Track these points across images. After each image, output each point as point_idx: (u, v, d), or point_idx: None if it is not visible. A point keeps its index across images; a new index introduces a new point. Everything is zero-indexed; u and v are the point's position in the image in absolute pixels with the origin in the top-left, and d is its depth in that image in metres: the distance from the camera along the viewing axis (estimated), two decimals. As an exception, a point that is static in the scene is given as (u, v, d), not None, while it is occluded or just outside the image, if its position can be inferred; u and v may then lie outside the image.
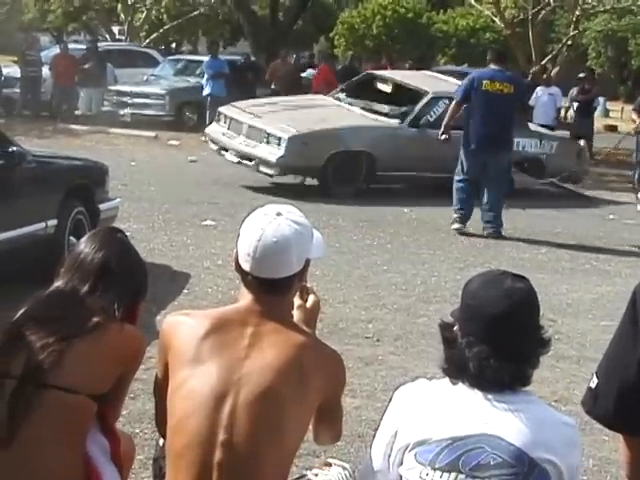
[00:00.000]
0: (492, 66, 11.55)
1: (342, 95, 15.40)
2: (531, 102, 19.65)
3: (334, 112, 14.63)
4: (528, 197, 14.03)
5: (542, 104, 19.41)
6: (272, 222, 2.71)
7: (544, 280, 8.82)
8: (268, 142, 13.46)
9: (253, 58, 23.05)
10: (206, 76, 20.65)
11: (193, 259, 8.90)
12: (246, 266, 2.72)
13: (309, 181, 13.97)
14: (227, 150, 14.11)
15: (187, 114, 21.82)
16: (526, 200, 13.57)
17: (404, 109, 14.33)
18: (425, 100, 14.29)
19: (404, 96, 14.65)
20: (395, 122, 14.10)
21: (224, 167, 14.46)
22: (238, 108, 14.80)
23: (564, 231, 12.05)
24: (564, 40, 31.56)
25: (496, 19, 34.27)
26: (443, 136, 11.64)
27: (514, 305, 2.55)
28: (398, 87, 15.05)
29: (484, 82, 11.23)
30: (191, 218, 10.93)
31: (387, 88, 15.26)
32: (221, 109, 15.16)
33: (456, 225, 11.43)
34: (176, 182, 13.68)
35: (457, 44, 42.45)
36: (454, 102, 11.70)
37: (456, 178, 11.50)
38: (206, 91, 20.10)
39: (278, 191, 13.34)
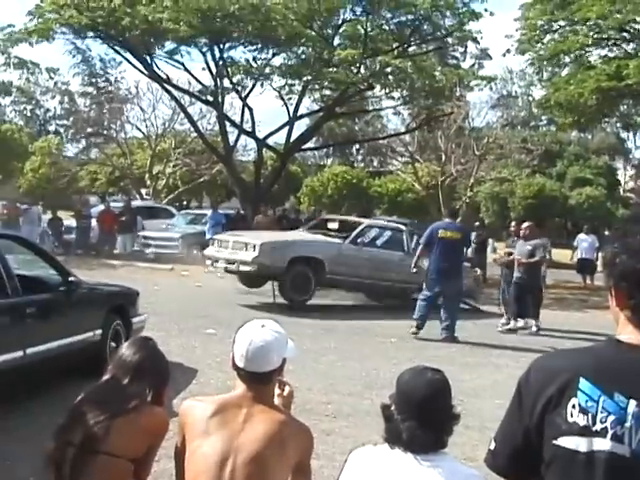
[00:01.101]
0: (446, 219, 11.96)
1: (302, 229, 15.84)
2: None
3: (296, 234, 15.11)
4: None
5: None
6: (258, 331, 2.75)
7: (454, 371, 8.77)
8: (246, 249, 13.60)
9: (242, 211, 23.20)
10: (208, 225, 20.77)
11: (199, 358, 8.80)
12: (240, 363, 2.74)
13: (280, 300, 13.90)
14: (217, 261, 14.15)
15: (195, 252, 21.79)
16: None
17: (345, 234, 14.65)
18: (361, 227, 14.69)
19: (348, 229, 14.94)
20: (339, 241, 14.31)
21: (223, 291, 14.40)
22: (227, 234, 15.18)
23: (467, 335, 12.06)
24: (464, 199, 32.28)
25: (415, 184, 35.17)
26: (414, 269, 11.76)
27: (434, 391, 2.58)
28: (343, 224, 15.40)
29: (440, 231, 11.40)
30: (197, 328, 10.84)
31: (335, 225, 15.60)
32: (214, 236, 15.46)
33: (414, 329, 11.39)
34: (187, 301, 13.60)
35: (388, 201, 43.04)
36: (420, 246, 11.87)
37: (420, 297, 11.58)
38: (208, 235, 20.13)
39: (264, 308, 13.29)
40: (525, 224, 13.13)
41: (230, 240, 14.31)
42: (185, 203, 44.59)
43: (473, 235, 21.16)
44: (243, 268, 13.62)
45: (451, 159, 30.81)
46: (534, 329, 12.70)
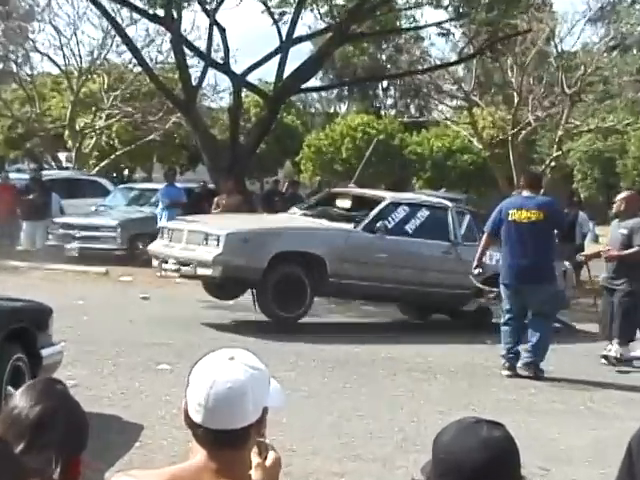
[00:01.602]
0: (523, 192, 11.72)
1: (297, 210, 15.92)
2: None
3: (283, 218, 15.31)
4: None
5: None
6: (225, 367, 2.71)
7: (534, 424, 8.77)
8: (207, 243, 13.71)
9: (211, 185, 23.21)
10: (161, 205, 20.85)
11: (146, 408, 8.80)
12: (197, 417, 2.69)
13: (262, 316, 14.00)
14: (167, 261, 14.26)
15: (141, 247, 21.81)
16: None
17: (359, 215, 14.76)
18: (382, 205, 14.75)
19: (363, 207, 15.09)
20: (349, 226, 14.39)
21: (181, 304, 14.45)
22: (181, 220, 15.25)
23: (555, 367, 12.04)
24: (547, 161, 32.23)
25: (473, 140, 35.14)
26: (477, 270, 11.88)
27: (493, 457, 2.53)
28: (358, 202, 15.50)
29: (512, 211, 11.38)
30: (144, 362, 10.87)
31: (346, 203, 15.69)
32: (163, 224, 15.47)
33: (505, 372, 11.46)
34: (128, 322, 13.65)
35: (432, 166, 43.17)
36: (484, 235, 11.99)
37: (501, 320, 11.68)
38: (162, 222, 20.16)
39: (239, 329, 13.33)
40: (622, 194, 12.85)
41: (184, 230, 14.43)
42: (126, 173, 44.79)
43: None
44: (202, 272, 13.71)
45: (528, 101, 30.76)
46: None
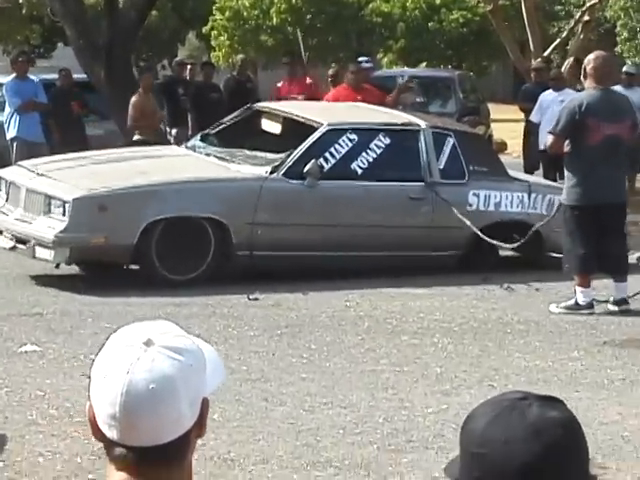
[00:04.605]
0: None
1: (199, 143, 15.82)
2: (533, 116, 19.96)
3: (168, 163, 15.24)
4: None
5: (551, 118, 19.30)
6: (141, 358, 2.68)
7: (582, 401, 8.86)
8: (49, 211, 13.71)
9: (80, 75, 23.02)
10: (9, 109, 20.64)
11: (9, 410, 8.79)
12: (111, 432, 2.68)
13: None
14: (1, 232, 14.26)
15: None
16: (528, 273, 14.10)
17: (282, 154, 14.65)
18: (315, 136, 14.67)
19: (296, 136, 15.00)
20: (262, 171, 14.40)
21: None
22: (25, 167, 15.13)
23: (608, 324, 12.21)
24: (577, 15, 32.33)
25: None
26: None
27: (548, 448, 2.55)
28: (291, 125, 15.51)
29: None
30: (0, 343, 10.86)
31: (275, 126, 15.74)
32: (2, 172, 15.29)
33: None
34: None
35: (407, 32, 43.09)
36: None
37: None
38: (10, 133, 20.03)
39: (135, 284, 13.40)
40: None
41: (22, 187, 14.34)
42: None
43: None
44: (41, 255, 13.74)
45: None
46: None
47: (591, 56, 13.19)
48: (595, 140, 12.50)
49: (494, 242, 14.10)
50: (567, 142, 12.61)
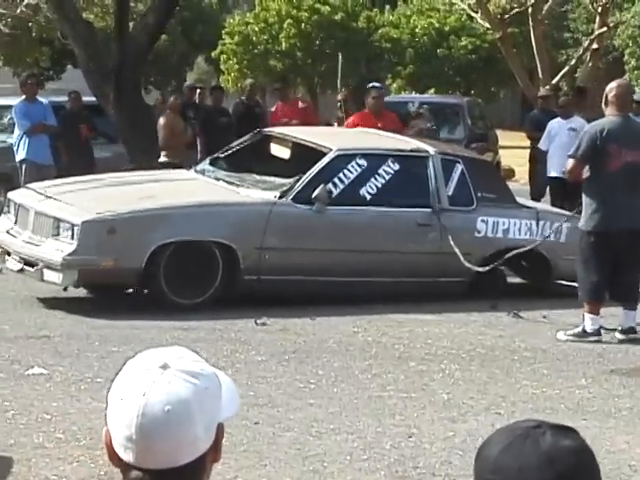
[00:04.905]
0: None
1: (209, 167, 15.85)
2: (542, 144, 19.92)
3: (177, 187, 15.28)
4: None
5: (560, 146, 19.32)
6: (157, 381, 2.70)
7: (589, 430, 8.83)
8: (58, 234, 13.70)
9: (90, 98, 23.02)
10: (19, 131, 20.64)
11: (15, 433, 8.75)
12: (127, 455, 2.69)
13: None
14: (9, 253, 14.33)
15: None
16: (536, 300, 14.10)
17: (291, 179, 14.63)
18: (324, 161, 14.66)
19: (305, 161, 14.98)
20: (271, 196, 14.38)
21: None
22: (34, 190, 15.12)
23: (616, 352, 12.20)
24: (586, 43, 32.33)
25: (476, 15, 35.07)
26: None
27: (562, 476, 2.56)
28: (300, 150, 15.50)
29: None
30: (7, 366, 10.83)
31: (284, 151, 15.75)
32: (11, 194, 15.27)
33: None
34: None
35: (415, 58, 42.99)
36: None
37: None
38: (20, 155, 20.03)
39: (143, 309, 13.39)
40: None
41: (31, 210, 14.34)
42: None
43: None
44: (50, 277, 13.74)
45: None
46: None
47: (613, 84, 13.22)
48: (615, 166, 12.50)
49: (470, 265, 14.15)
50: (586, 168, 12.61)
